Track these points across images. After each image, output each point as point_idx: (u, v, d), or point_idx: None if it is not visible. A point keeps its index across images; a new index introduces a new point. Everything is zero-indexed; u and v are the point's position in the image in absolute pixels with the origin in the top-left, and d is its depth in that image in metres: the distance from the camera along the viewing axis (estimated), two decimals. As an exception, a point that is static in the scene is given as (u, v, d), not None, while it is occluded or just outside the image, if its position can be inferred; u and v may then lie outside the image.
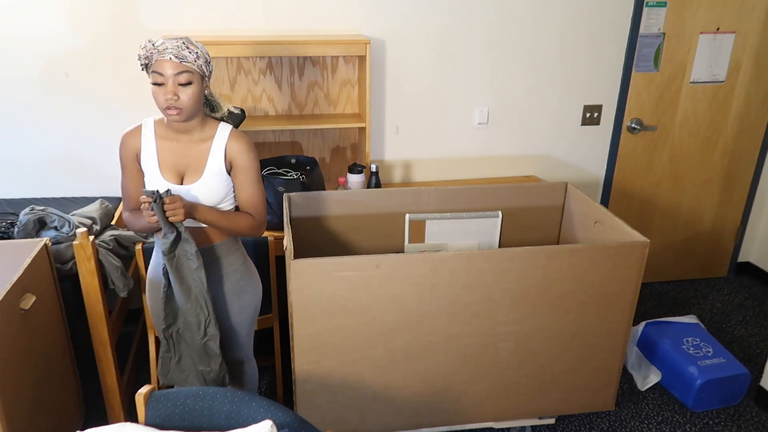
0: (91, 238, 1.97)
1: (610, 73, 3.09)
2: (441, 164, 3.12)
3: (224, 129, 1.75)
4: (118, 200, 2.72)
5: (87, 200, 2.64)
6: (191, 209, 1.66)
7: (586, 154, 3.25)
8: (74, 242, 1.94)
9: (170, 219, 1.62)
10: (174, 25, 2.62)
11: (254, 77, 2.77)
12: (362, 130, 2.80)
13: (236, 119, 1.87)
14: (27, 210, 2.17)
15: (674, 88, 3.14)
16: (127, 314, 2.48)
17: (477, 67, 2.95)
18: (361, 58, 2.69)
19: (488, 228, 2.54)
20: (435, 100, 2.98)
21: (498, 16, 2.87)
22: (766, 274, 3.57)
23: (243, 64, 2.74)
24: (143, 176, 1.76)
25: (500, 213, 2.52)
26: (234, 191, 1.80)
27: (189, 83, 1.59)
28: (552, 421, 2.33)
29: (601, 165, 3.29)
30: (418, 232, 2.50)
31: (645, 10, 2.96)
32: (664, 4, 2.95)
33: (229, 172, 1.76)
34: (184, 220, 1.64)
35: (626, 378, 2.72)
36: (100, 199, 2.47)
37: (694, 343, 2.63)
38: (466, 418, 2.14)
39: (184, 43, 1.58)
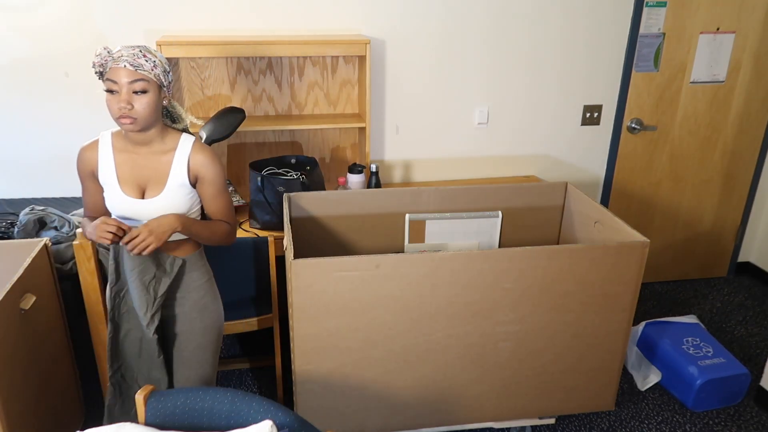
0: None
1: (610, 73, 3.09)
2: (441, 164, 3.12)
3: (186, 140, 1.69)
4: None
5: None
6: (176, 223, 1.60)
7: (586, 154, 3.25)
8: (74, 242, 1.94)
9: (143, 253, 1.56)
10: (174, 24, 2.62)
11: (254, 77, 2.77)
12: (362, 130, 2.80)
13: (235, 120, 1.86)
14: (27, 210, 2.17)
15: (674, 88, 3.14)
16: (127, 314, 2.48)
17: (477, 67, 2.96)
18: (361, 58, 2.69)
19: (488, 228, 2.54)
20: (435, 100, 2.98)
21: (498, 16, 2.87)
22: (766, 274, 3.57)
23: (243, 64, 2.74)
24: (102, 191, 1.70)
25: (500, 213, 2.52)
26: (200, 202, 1.75)
27: (144, 92, 1.53)
28: (552, 421, 2.33)
29: (601, 165, 3.29)
30: (418, 232, 2.50)
31: (645, 10, 2.96)
32: (664, 4, 2.95)
33: (193, 185, 1.70)
34: (159, 245, 1.58)
35: (626, 378, 2.72)
36: None
37: (694, 343, 2.63)
38: (466, 418, 2.14)
39: (141, 51, 1.53)
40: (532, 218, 2.59)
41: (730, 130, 3.28)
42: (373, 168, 2.74)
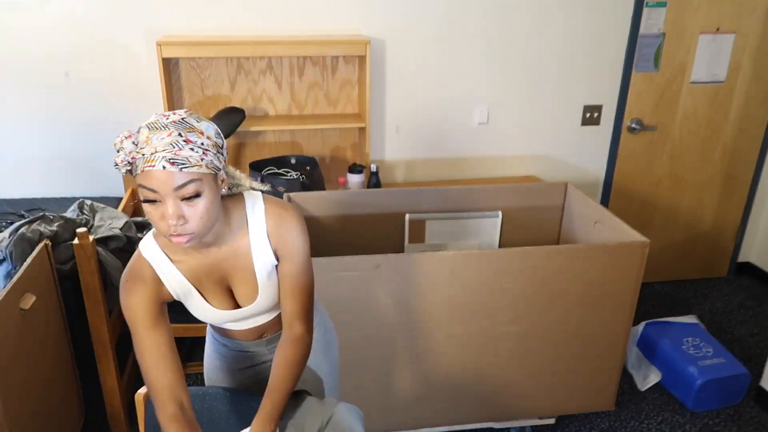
0: (92, 237, 1.97)
1: (610, 73, 3.09)
2: (441, 164, 3.12)
3: (255, 209, 1.24)
4: (118, 201, 2.72)
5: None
6: (269, 426, 1.21)
7: (586, 154, 3.25)
8: (74, 242, 1.94)
9: None
10: (174, 24, 2.62)
11: (254, 77, 2.77)
12: (362, 130, 2.80)
13: (235, 120, 1.71)
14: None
15: (674, 88, 3.14)
16: (127, 314, 2.48)
17: (477, 66, 2.95)
18: (361, 58, 2.69)
19: (488, 228, 2.54)
20: (435, 100, 2.98)
21: (498, 15, 2.87)
22: (766, 274, 3.57)
23: (243, 64, 2.74)
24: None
25: (500, 213, 2.52)
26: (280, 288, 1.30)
27: (197, 195, 1.06)
28: (552, 421, 2.33)
29: (601, 165, 3.29)
30: (418, 232, 2.50)
31: (645, 10, 2.95)
32: (664, 4, 2.95)
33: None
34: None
35: (626, 378, 2.72)
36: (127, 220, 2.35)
37: (694, 343, 2.63)
38: (466, 418, 2.14)
39: (180, 134, 1.03)
40: (532, 218, 2.59)
41: (730, 130, 3.28)
42: (373, 168, 2.74)
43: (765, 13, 3.05)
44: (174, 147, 1.02)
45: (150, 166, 1.02)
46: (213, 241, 1.21)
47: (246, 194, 1.26)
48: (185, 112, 1.09)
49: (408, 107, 2.97)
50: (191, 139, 1.05)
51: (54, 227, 2.11)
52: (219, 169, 1.11)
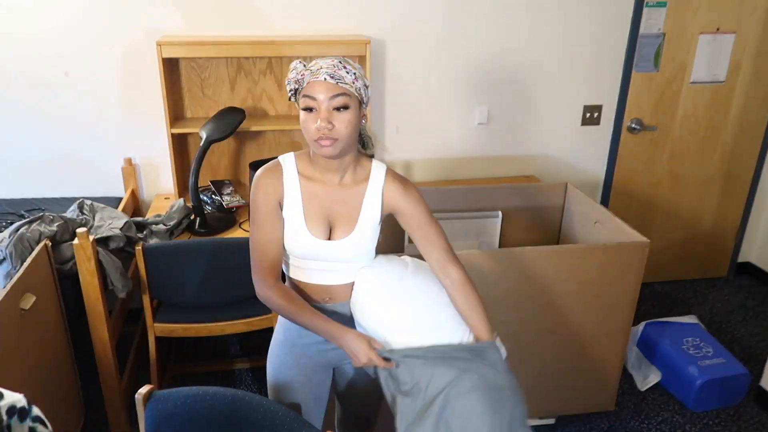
0: (92, 237, 1.97)
1: (610, 73, 3.09)
2: (441, 164, 3.12)
3: (379, 169, 1.47)
4: (118, 201, 2.72)
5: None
6: (490, 329, 1.47)
7: (586, 154, 3.25)
8: (74, 242, 1.94)
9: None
10: (174, 24, 2.62)
11: (254, 77, 2.77)
12: (362, 130, 2.80)
13: (235, 120, 1.76)
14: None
15: (674, 88, 3.14)
16: (127, 314, 2.48)
17: (477, 66, 2.95)
18: (361, 58, 2.69)
19: (488, 228, 2.54)
20: (435, 100, 2.98)
21: (498, 15, 2.87)
22: (766, 274, 3.57)
23: (243, 64, 2.74)
24: (281, 228, 1.44)
25: (500, 213, 2.52)
26: (414, 243, 1.50)
27: (345, 107, 1.31)
28: (552, 421, 2.33)
29: (601, 165, 3.29)
30: (418, 232, 2.49)
31: (645, 10, 2.96)
32: (664, 4, 2.95)
33: (381, 221, 1.48)
34: None
35: (626, 378, 2.72)
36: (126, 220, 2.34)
37: (694, 343, 2.63)
38: (466, 418, 2.14)
39: (340, 62, 1.33)
40: (532, 218, 2.59)
41: (730, 130, 3.28)
42: (373, 168, 2.74)
43: (765, 13, 3.06)
44: (334, 67, 1.31)
45: (315, 77, 1.31)
46: (339, 171, 1.42)
47: (375, 160, 1.49)
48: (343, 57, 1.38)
49: (408, 107, 2.97)
50: (347, 66, 1.33)
51: (54, 227, 2.11)
52: (363, 100, 1.37)
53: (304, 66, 1.34)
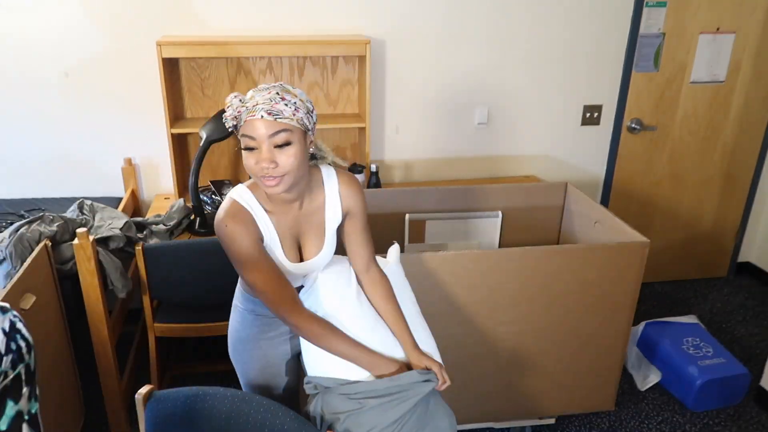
0: (92, 237, 1.97)
1: (610, 73, 3.09)
2: (441, 164, 3.12)
3: (329, 175, 1.47)
4: (118, 201, 2.72)
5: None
6: (416, 346, 1.56)
7: (586, 154, 3.25)
8: (74, 242, 1.94)
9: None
10: (174, 25, 2.62)
11: (254, 77, 2.77)
12: (362, 130, 2.80)
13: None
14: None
15: (674, 88, 3.14)
16: (127, 314, 2.48)
17: (477, 67, 2.95)
18: (361, 58, 2.69)
19: (488, 228, 2.54)
20: (435, 100, 2.98)
21: (498, 15, 2.87)
22: (766, 274, 3.57)
23: (243, 64, 2.74)
24: None
25: (500, 213, 2.52)
26: (346, 242, 1.55)
27: (287, 144, 1.27)
28: (552, 421, 2.33)
29: (601, 165, 3.29)
30: (418, 232, 2.50)
31: (645, 10, 2.96)
32: (664, 4, 2.95)
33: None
34: None
35: (626, 378, 2.72)
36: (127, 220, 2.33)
37: (694, 343, 2.63)
38: (466, 417, 2.14)
39: (278, 93, 1.28)
40: (532, 218, 2.59)
41: (730, 130, 3.28)
42: (373, 168, 2.74)
43: (765, 13, 3.06)
44: (272, 101, 1.26)
45: (251, 116, 1.25)
46: (296, 198, 1.41)
47: (321, 166, 1.48)
48: (282, 82, 1.35)
49: (408, 107, 2.97)
50: (286, 97, 1.28)
51: (54, 227, 2.11)
52: (308, 129, 1.32)
53: (240, 101, 1.29)
